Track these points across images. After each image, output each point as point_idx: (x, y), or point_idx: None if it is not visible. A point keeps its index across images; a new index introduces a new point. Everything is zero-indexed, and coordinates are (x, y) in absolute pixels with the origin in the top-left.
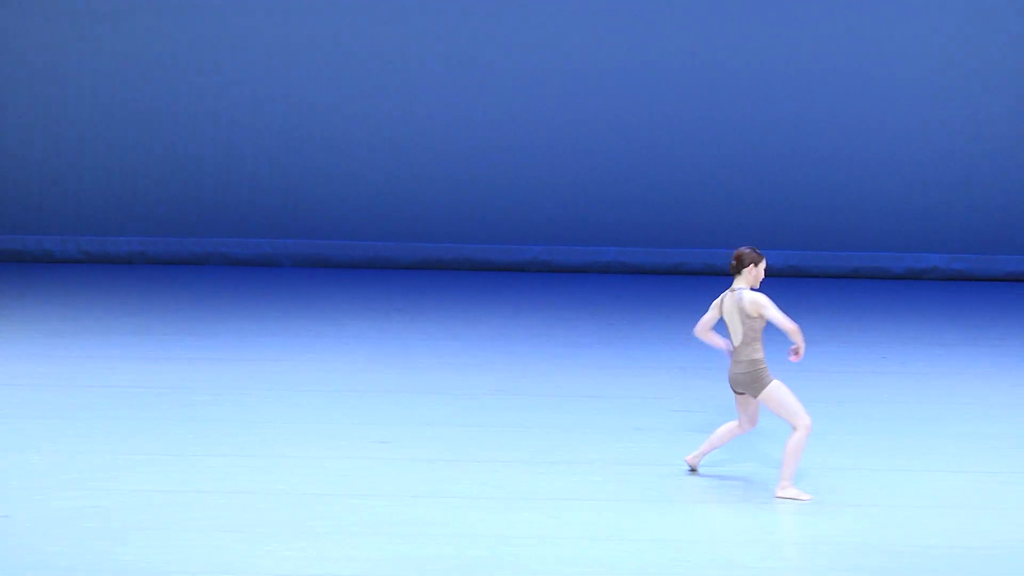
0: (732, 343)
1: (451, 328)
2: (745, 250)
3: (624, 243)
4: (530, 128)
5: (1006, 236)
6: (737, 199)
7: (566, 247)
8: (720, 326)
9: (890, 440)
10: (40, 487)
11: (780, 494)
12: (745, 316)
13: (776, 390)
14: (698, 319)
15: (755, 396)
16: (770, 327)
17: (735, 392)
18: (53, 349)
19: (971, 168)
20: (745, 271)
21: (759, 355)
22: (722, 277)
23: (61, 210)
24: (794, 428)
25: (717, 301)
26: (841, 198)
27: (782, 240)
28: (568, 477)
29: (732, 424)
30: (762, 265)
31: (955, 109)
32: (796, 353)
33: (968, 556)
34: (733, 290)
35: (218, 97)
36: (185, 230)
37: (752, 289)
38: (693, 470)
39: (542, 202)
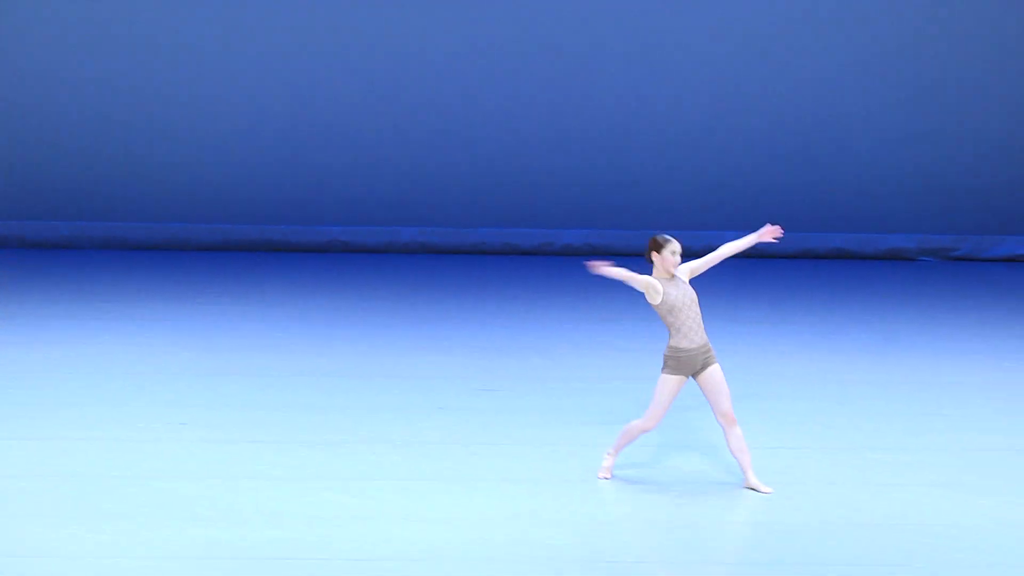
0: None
1: (252, 310)
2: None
3: (426, 223)
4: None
5: (807, 213)
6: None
7: (365, 228)
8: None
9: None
10: None
11: (603, 475)
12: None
13: (660, 381)
14: (504, 297)
15: None
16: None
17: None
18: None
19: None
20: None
21: (670, 341)
22: (525, 256)
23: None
24: (643, 418)
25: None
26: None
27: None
28: (369, 457)
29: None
30: (664, 251)
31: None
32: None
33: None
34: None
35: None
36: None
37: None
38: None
39: (342, 183)
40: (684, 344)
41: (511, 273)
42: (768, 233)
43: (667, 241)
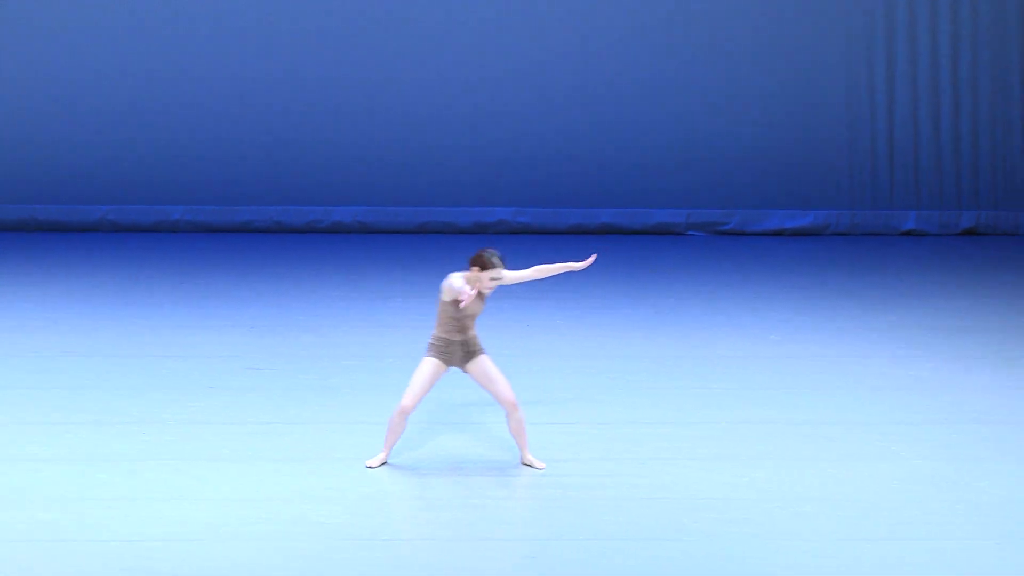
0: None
1: (23, 290)
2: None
3: (195, 202)
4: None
5: (573, 189)
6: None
7: (136, 207)
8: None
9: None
10: None
11: (370, 463)
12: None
13: (421, 362)
14: (273, 276)
15: None
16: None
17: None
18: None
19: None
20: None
21: (435, 329)
22: (295, 234)
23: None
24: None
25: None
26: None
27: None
28: (141, 437)
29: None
30: (486, 274)
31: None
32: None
33: (520, 506)
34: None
35: None
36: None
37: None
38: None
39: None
40: (443, 335)
41: (280, 251)
42: (586, 264)
43: (494, 267)
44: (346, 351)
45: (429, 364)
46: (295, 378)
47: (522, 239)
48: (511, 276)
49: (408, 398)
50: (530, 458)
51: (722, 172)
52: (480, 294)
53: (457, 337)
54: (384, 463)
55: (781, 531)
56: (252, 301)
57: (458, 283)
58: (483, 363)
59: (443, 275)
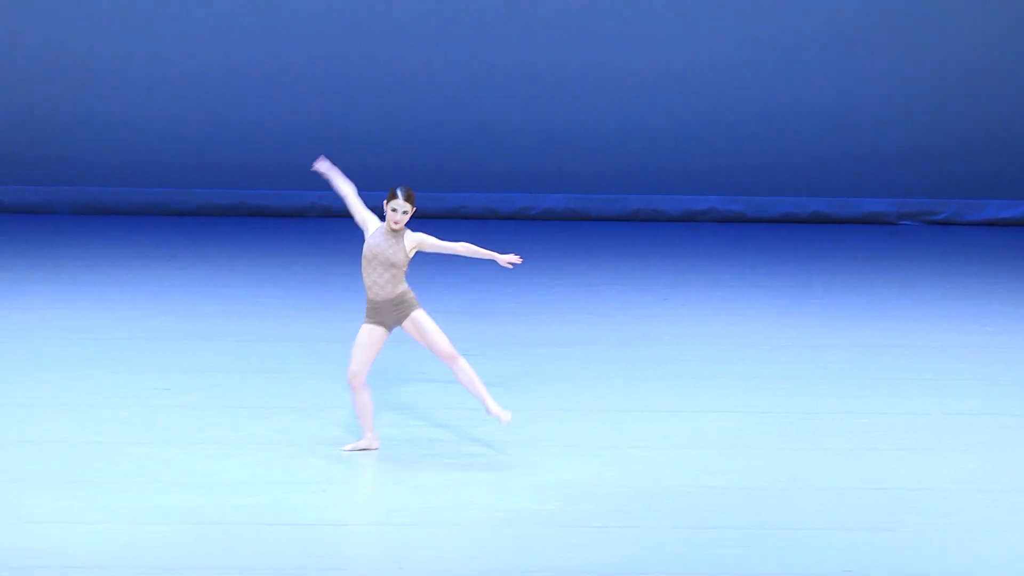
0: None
1: (228, 275)
2: None
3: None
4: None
5: (785, 178)
6: (514, 143)
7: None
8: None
9: (665, 381)
10: None
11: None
12: None
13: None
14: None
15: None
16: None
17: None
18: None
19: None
20: None
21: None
22: (501, 220)
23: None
24: None
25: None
26: (619, 141)
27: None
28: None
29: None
30: (389, 204)
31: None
32: None
33: (740, 496)
34: None
35: None
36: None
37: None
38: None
39: (305, 145)
40: (370, 296)
41: (490, 237)
42: (505, 259)
43: (393, 197)
44: (552, 339)
45: (363, 330)
46: (501, 364)
47: (732, 227)
48: (432, 242)
49: (352, 365)
50: (495, 409)
51: (936, 161)
52: (394, 234)
53: (379, 297)
54: (372, 447)
55: (993, 522)
56: (463, 286)
57: (373, 220)
58: (419, 318)
59: (650, 262)
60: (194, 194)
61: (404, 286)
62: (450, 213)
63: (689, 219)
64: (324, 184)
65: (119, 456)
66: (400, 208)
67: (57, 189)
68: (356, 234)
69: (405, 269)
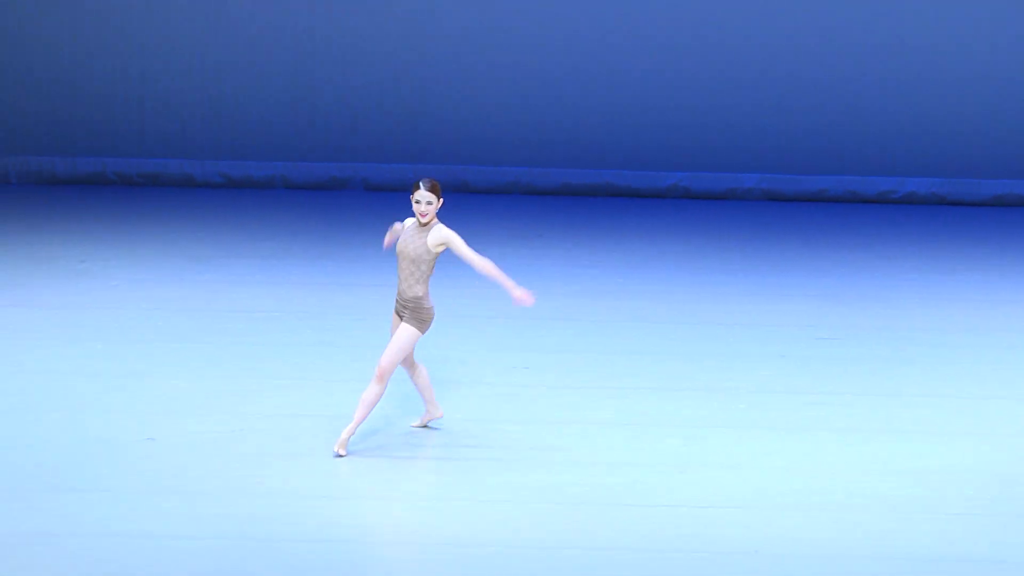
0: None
1: (590, 255)
2: None
3: (765, 170)
4: (662, 51)
5: (989, 160)
6: (873, 125)
7: (707, 174)
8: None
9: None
10: (183, 411)
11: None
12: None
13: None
14: (842, 246)
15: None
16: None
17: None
18: (194, 273)
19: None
20: None
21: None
22: (863, 204)
23: (201, 134)
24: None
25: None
26: (984, 125)
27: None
28: (709, 404)
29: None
30: (415, 195)
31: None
32: None
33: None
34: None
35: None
36: (323, 155)
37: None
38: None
39: (681, 127)
40: (399, 287)
41: (852, 221)
42: (519, 294)
43: (416, 187)
44: (915, 324)
45: (394, 319)
46: (864, 349)
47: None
48: (458, 244)
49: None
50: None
51: None
52: (421, 228)
53: (400, 291)
54: (437, 416)
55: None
56: (827, 271)
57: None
58: (402, 327)
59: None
60: (557, 173)
61: (422, 292)
62: (814, 196)
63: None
64: (686, 165)
65: (484, 434)
66: (424, 199)
67: (415, 167)
68: (711, 215)
69: (428, 270)
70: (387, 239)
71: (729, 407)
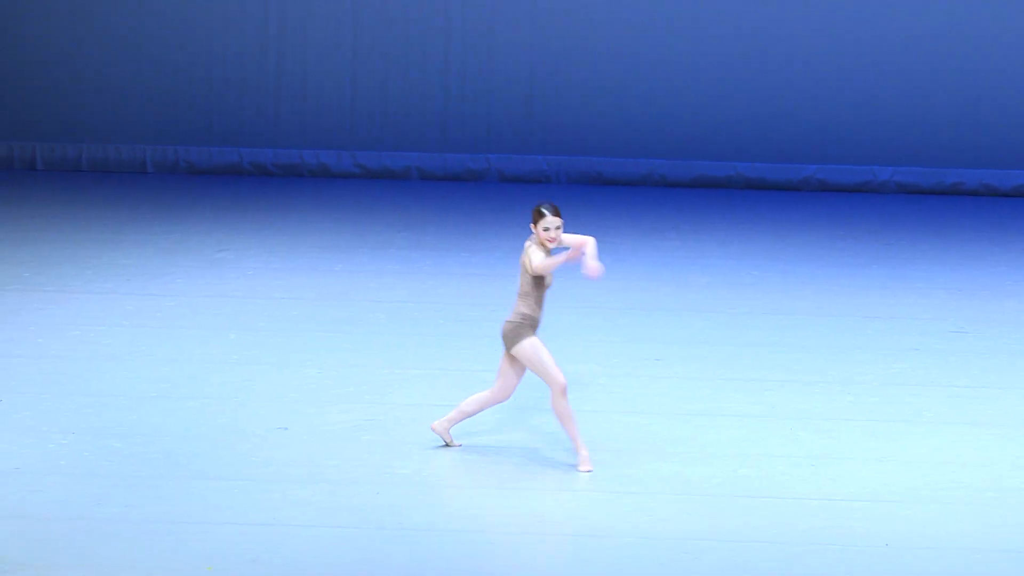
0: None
1: (724, 247)
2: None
3: (900, 163)
4: (798, 44)
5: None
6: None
7: (841, 166)
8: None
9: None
10: (317, 400)
11: (582, 468)
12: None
13: (531, 347)
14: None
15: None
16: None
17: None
18: (329, 263)
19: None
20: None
21: (522, 308)
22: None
23: (335, 125)
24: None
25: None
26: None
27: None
28: (843, 397)
29: (484, 393)
30: (540, 224)
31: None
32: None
33: None
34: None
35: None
36: (459, 146)
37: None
38: (446, 444)
39: (815, 119)
40: (531, 312)
41: (986, 214)
42: (593, 267)
43: (542, 216)
44: None
45: (538, 343)
46: (998, 341)
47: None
48: (567, 238)
49: (561, 376)
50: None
51: None
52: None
53: (540, 313)
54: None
55: None
56: (958, 264)
57: (537, 257)
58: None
59: None
60: (692, 166)
61: (517, 309)
62: (949, 190)
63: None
64: (819, 157)
65: (613, 425)
66: (553, 225)
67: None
68: (844, 207)
69: (524, 287)
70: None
71: (863, 400)
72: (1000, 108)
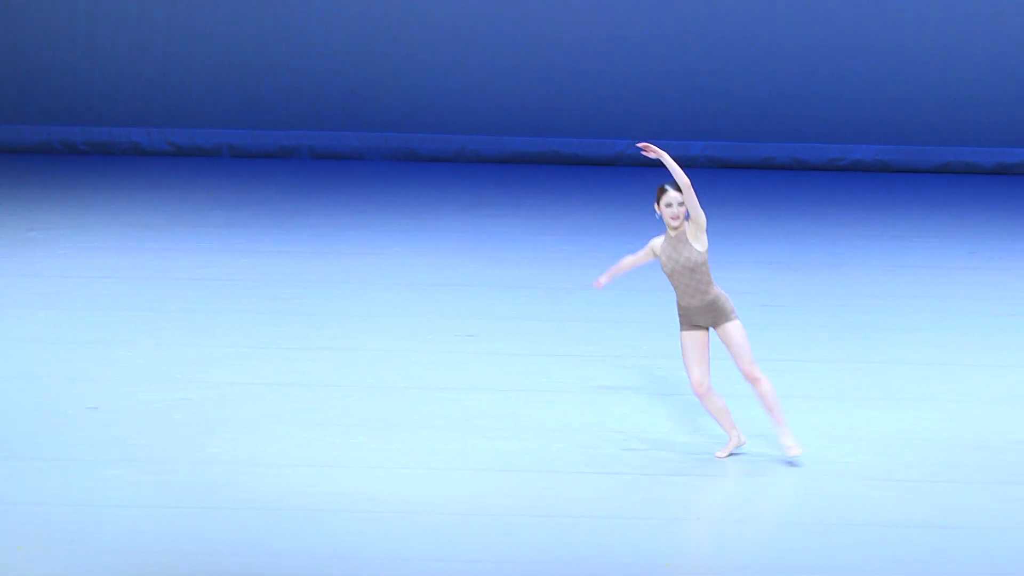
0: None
1: (538, 222)
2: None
3: (713, 137)
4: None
5: None
6: (819, 91)
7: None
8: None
9: (980, 335)
10: (130, 379)
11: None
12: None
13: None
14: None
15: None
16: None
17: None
18: (143, 242)
19: None
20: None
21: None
22: (810, 172)
23: (149, 102)
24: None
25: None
26: (931, 91)
27: (871, 135)
28: (655, 373)
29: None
30: (662, 201)
31: None
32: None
33: None
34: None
35: None
36: (272, 123)
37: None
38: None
39: (629, 96)
40: (683, 303)
41: (797, 188)
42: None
43: (664, 192)
44: (861, 291)
45: (684, 339)
46: (808, 316)
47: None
48: (697, 213)
49: (692, 377)
50: (787, 440)
51: None
52: (675, 236)
53: (693, 303)
54: (741, 443)
55: None
56: (771, 238)
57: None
58: (728, 330)
59: (964, 216)
60: (503, 141)
61: (714, 292)
62: (760, 164)
63: (1002, 172)
64: (631, 133)
65: (430, 401)
66: (676, 200)
67: (367, 135)
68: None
69: (707, 269)
70: (606, 278)
71: (674, 375)
72: (970, 84)
